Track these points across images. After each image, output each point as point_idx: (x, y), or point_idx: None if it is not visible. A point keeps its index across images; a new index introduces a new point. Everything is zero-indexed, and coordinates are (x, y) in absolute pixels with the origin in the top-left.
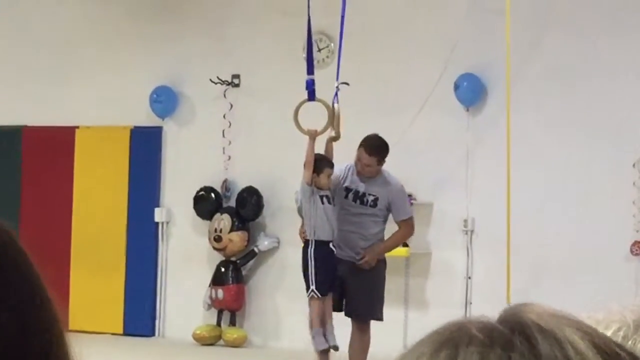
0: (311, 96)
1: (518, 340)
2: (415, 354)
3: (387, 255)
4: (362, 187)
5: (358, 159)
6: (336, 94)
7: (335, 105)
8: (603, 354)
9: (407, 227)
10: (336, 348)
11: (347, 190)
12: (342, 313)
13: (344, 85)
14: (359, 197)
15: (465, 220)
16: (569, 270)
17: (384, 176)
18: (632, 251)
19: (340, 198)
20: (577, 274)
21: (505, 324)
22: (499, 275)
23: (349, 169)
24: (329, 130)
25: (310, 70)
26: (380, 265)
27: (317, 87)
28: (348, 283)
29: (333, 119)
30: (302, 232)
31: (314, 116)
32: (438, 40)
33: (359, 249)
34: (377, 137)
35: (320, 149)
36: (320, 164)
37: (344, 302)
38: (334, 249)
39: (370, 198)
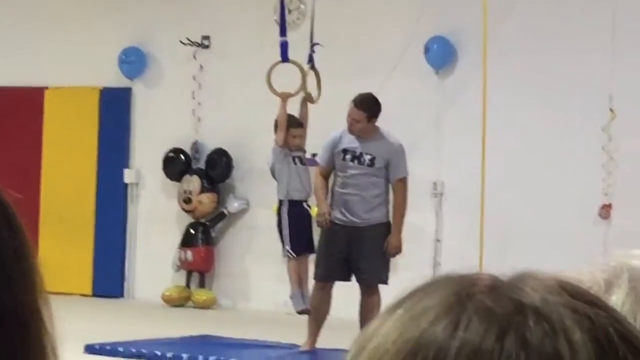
0: (285, 57)
1: (513, 327)
2: (422, 306)
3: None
4: (359, 148)
5: (348, 115)
6: (311, 56)
7: (306, 66)
8: (598, 348)
9: (403, 187)
10: (308, 311)
11: (345, 151)
12: (349, 281)
13: (318, 46)
14: (356, 157)
15: (435, 184)
16: (538, 234)
17: (381, 135)
18: (600, 215)
19: (338, 161)
20: (546, 237)
21: (504, 304)
22: (467, 238)
23: (344, 130)
24: (301, 92)
25: (283, 32)
26: (384, 228)
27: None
28: (352, 249)
29: (305, 80)
30: (327, 214)
31: (289, 78)
32: (408, 3)
33: (360, 213)
34: (368, 93)
35: (294, 111)
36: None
37: (350, 270)
38: (308, 208)
39: (367, 157)
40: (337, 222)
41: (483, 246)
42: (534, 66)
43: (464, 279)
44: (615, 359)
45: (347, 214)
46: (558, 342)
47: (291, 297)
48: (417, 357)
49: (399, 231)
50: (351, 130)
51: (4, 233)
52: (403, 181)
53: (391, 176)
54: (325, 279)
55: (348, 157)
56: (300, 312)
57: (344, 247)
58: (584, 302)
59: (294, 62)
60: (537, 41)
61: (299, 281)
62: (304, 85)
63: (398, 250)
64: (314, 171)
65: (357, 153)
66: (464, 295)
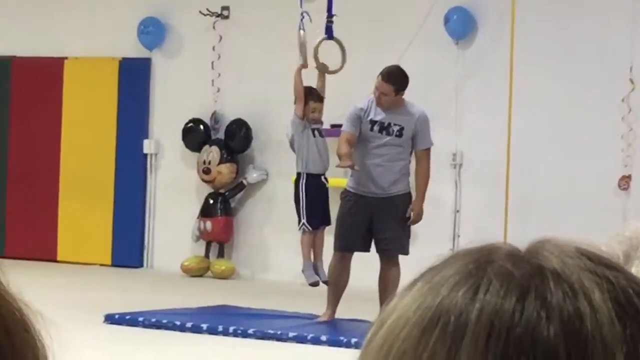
0: (330, 34)
1: (533, 289)
2: (441, 276)
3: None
4: (386, 119)
5: (376, 88)
6: (329, 27)
7: (301, 32)
8: (619, 308)
9: (427, 158)
10: (326, 282)
11: (372, 122)
12: (369, 252)
13: (335, 17)
14: (385, 128)
15: (454, 154)
16: (557, 205)
17: (408, 106)
18: (619, 186)
19: (366, 131)
20: (565, 208)
21: (524, 267)
22: (486, 209)
23: (371, 102)
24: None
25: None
26: (406, 199)
27: (305, 20)
28: (375, 219)
29: (317, 51)
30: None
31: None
32: None
33: (384, 184)
34: (396, 66)
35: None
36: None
37: (372, 241)
38: (325, 182)
39: (396, 128)
40: (359, 192)
41: (507, 218)
42: (554, 37)
43: (482, 249)
44: (636, 319)
45: (370, 184)
46: (578, 302)
47: (303, 271)
48: (439, 324)
49: (422, 199)
50: (379, 102)
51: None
52: (428, 151)
53: (418, 146)
54: (346, 249)
55: (376, 128)
56: (312, 285)
57: (365, 217)
58: (602, 266)
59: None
60: (557, 12)
61: (313, 254)
62: (316, 56)
63: (420, 217)
64: (331, 142)
65: (385, 124)
66: (483, 262)
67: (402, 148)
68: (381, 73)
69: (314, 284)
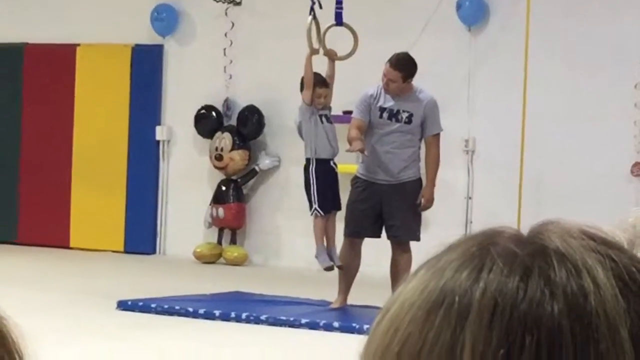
0: (339, 21)
1: (536, 268)
2: (444, 260)
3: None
4: (395, 105)
5: (384, 75)
6: (339, 14)
7: (309, 18)
8: (622, 285)
9: (436, 144)
10: (340, 267)
11: (382, 109)
12: (379, 237)
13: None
14: (394, 115)
15: (467, 141)
16: (570, 191)
17: (416, 92)
18: (632, 172)
19: (375, 118)
20: (578, 195)
21: (527, 247)
22: (499, 195)
23: (380, 88)
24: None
25: None
26: (417, 185)
27: (315, 8)
28: (385, 206)
29: (324, 36)
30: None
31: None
32: None
33: (394, 170)
34: (405, 53)
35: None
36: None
37: (382, 227)
38: (334, 167)
39: (405, 115)
40: (369, 179)
41: (521, 204)
42: (566, 24)
43: (485, 233)
44: (639, 294)
45: (380, 171)
46: (582, 279)
47: (316, 256)
48: (443, 304)
49: (433, 185)
50: (387, 89)
51: None
52: (438, 137)
53: (427, 132)
54: (356, 235)
55: (385, 115)
56: (326, 269)
57: (375, 203)
58: (605, 245)
59: (315, 20)
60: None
61: (326, 239)
62: (322, 42)
63: (431, 203)
64: (342, 128)
65: (395, 111)
66: (486, 244)
67: (411, 135)
68: (389, 60)
69: (328, 269)
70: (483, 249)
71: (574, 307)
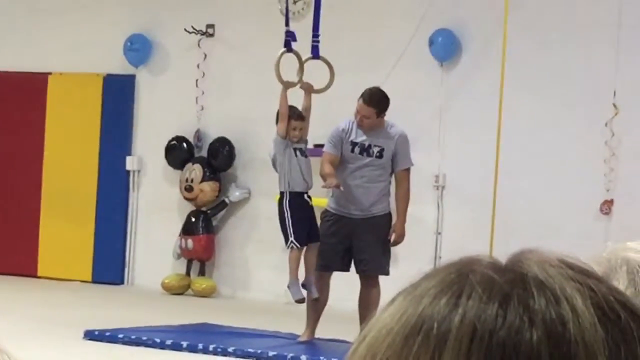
0: (289, 47)
1: (515, 295)
2: (422, 287)
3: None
4: (367, 140)
5: (357, 111)
6: (315, 46)
7: (280, 52)
8: (601, 313)
9: (407, 178)
10: (317, 300)
11: (353, 144)
12: (348, 272)
13: (319, 37)
14: (365, 150)
15: (437, 176)
16: (539, 228)
17: (388, 126)
18: (602, 210)
19: (347, 152)
20: (548, 232)
21: (506, 275)
22: (468, 231)
23: (352, 123)
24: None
25: (287, 22)
26: (386, 220)
27: (291, 39)
28: (355, 240)
29: (302, 70)
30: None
31: (295, 68)
32: None
33: (365, 204)
34: (377, 88)
35: (299, 102)
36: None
37: (351, 261)
38: (309, 200)
39: (376, 149)
40: (339, 213)
41: (493, 239)
42: (538, 61)
43: (462, 261)
44: (618, 324)
45: (350, 205)
46: (561, 307)
47: (289, 287)
48: (422, 330)
49: (404, 219)
50: (360, 125)
51: None
52: (408, 171)
53: (398, 167)
54: (325, 269)
55: (357, 149)
56: (298, 301)
57: (344, 237)
58: (583, 275)
59: (294, 53)
60: (541, 36)
61: (305, 270)
62: (300, 76)
63: (402, 238)
64: (316, 162)
65: (366, 145)
66: (465, 271)
67: (382, 169)
68: (362, 96)
69: (300, 301)
70: (461, 275)
71: (553, 335)
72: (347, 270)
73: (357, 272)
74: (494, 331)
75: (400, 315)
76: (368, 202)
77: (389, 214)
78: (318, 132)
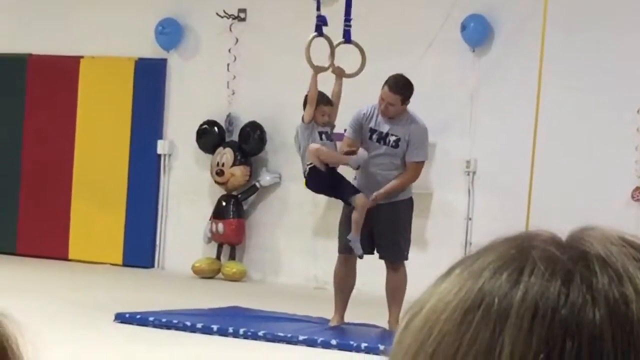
0: (320, 31)
1: (578, 273)
2: (481, 262)
3: None
4: (385, 128)
5: (381, 98)
6: (347, 31)
7: (311, 36)
8: None
9: (414, 171)
10: (361, 257)
11: (372, 131)
12: (372, 254)
13: (352, 22)
14: (382, 138)
15: (468, 162)
16: (569, 214)
17: (409, 117)
18: (633, 197)
19: (365, 138)
20: (577, 218)
21: (568, 252)
22: (499, 216)
23: (374, 109)
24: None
25: (319, 6)
26: (405, 205)
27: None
28: (374, 225)
29: (334, 55)
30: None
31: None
32: None
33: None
34: (401, 75)
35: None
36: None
37: (374, 244)
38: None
39: (392, 139)
40: None
41: (528, 226)
42: (569, 47)
43: (522, 235)
44: None
45: (368, 192)
46: (624, 287)
47: (351, 242)
48: (482, 305)
49: (385, 194)
50: (385, 113)
51: None
52: (418, 165)
53: (407, 157)
54: (348, 251)
55: (374, 137)
56: (360, 257)
57: (366, 221)
58: None
59: (325, 37)
60: (574, 21)
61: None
62: (332, 60)
63: (372, 203)
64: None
65: (383, 134)
66: (526, 246)
67: (398, 159)
68: (387, 83)
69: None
70: (523, 251)
71: (616, 314)
72: (372, 252)
73: (379, 257)
74: (556, 309)
75: (458, 288)
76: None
77: (410, 199)
78: (348, 117)
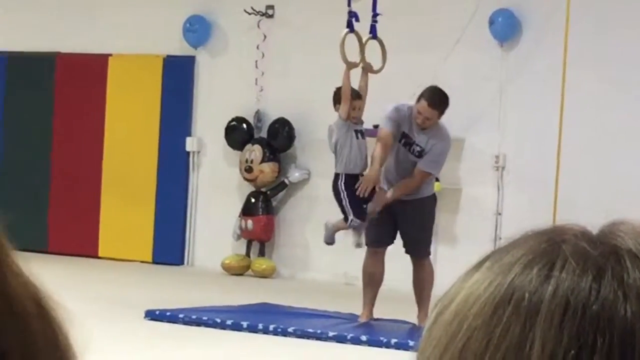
0: (351, 27)
1: (610, 269)
2: (512, 256)
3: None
4: (414, 136)
5: (419, 112)
6: (373, 26)
7: (344, 32)
8: None
9: (420, 179)
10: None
11: (404, 135)
12: (401, 253)
13: (379, 16)
14: (409, 145)
15: (497, 157)
16: (601, 209)
17: (437, 129)
18: None
19: (395, 141)
20: (610, 212)
21: (600, 247)
22: (528, 211)
23: (410, 111)
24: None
25: (350, 1)
26: (428, 201)
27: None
28: (398, 221)
29: (364, 50)
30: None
31: (354, 49)
32: None
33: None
34: (439, 89)
35: (355, 82)
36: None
37: (396, 234)
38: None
39: (417, 149)
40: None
41: (555, 220)
42: (601, 40)
43: (552, 229)
44: None
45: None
46: None
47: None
48: (512, 300)
49: (375, 169)
50: (421, 125)
51: (36, 325)
52: (426, 175)
53: (419, 164)
54: (376, 244)
55: (403, 141)
56: (358, 246)
57: (390, 215)
58: None
59: (355, 33)
60: (601, 15)
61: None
62: (362, 55)
63: (368, 184)
64: (371, 142)
65: (411, 141)
66: (557, 240)
67: None
68: (424, 98)
69: (330, 243)
70: (553, 246)
71: None
72: (391, 243)
73: (405, 251)
74: (587, 305)
75: (489, 282)
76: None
77: (433, 196)
78: (374, 112)
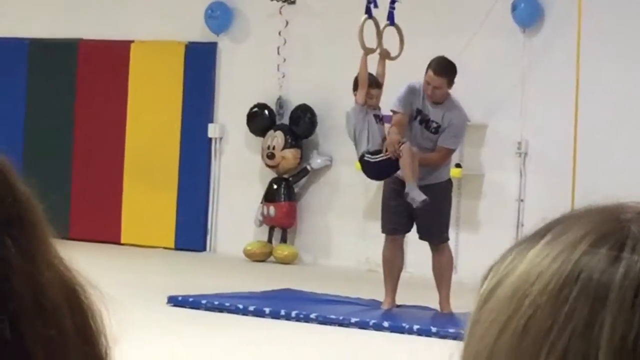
0: (370, 13)
1: None
2: (574, 234)
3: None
4: (429, 112)
5: (427, 83)
6: (391, 13)
7: (362, 18)
8: None
9: (444, 156)
10: (424, 201)
11: (418, 111)
12: (420, 240)
13: (397, 3)
14: (425, 122)
15: (519, 143)
16: (624, 195)
17: (452, 103)
18: None
19: (411, 119)
20: (633, 199)
21: None
22: (551, 198)
23: (421, 89)
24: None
25: None
26: (443, 186)
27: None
28: (415, 209)
29: (381, 36)
30: (397, 143)
31: (372, 35)
32: None
33: (424, 172)
34: (444, 57)
35: (373, 68)
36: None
37: (414, 222)
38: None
39: (434, 125)
40: (400, 177)
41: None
42: (622, 27)
43: (615, 207)
44: None
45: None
46: None
47: (410, 193)
48: (579, 280)
49: (397, 136)
50: (431, 96)
51: (64, 318)
52: (446, 150)
53: (440, 141)
54: (393, 232)
55: (419, 118)
56: (422, 202)
57: (405, 201)
58: None
59: (373, 19)
60: (623, 3)
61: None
62: (379, 42)
63: (390, 147)
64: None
65: (427, 118)
66: (622, 219)
67: (436, 144)
68: (430, 67)
69: (423, 202)
70: (620, 225)
71: None
72: (409, 230)
73: (419, 237)
74: None
75: (552, 259)
76: (424, 171)
77: (448, 181)
78: (393, 99)
